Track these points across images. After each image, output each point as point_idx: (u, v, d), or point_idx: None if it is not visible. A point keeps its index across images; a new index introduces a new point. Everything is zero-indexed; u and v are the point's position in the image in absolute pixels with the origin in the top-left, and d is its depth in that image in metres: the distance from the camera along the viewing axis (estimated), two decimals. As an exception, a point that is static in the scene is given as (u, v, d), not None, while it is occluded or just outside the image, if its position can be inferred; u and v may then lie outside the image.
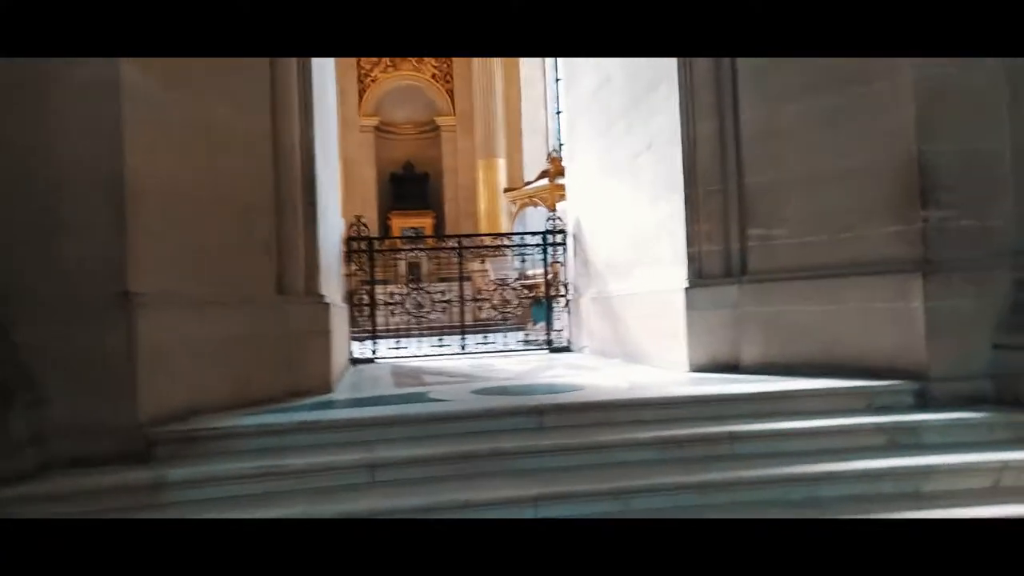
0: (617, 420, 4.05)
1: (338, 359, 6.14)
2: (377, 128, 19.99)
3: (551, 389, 4.83)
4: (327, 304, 5.10)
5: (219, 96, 4.40)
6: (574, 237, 8.53)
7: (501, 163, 19.21)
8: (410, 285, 8.56)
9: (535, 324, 9.81)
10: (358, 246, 8.42)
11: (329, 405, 4.44)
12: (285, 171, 4.96)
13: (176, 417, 3.97)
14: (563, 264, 8.76)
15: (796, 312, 5.05)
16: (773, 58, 5.08)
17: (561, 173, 10.25)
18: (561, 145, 11.90)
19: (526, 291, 9.38)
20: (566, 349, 8.56)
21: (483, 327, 8.78)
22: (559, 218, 8.79)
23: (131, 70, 3.73)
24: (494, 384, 5.25)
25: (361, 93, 19.66)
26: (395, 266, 19.32)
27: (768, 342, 5.17)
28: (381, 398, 4.75)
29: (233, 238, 4.54)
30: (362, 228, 8.45)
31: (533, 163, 19.98)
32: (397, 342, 8.40)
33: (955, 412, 3.97)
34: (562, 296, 8.73)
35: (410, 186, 19.94)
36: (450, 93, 19.97)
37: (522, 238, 8.79)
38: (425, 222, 19.45)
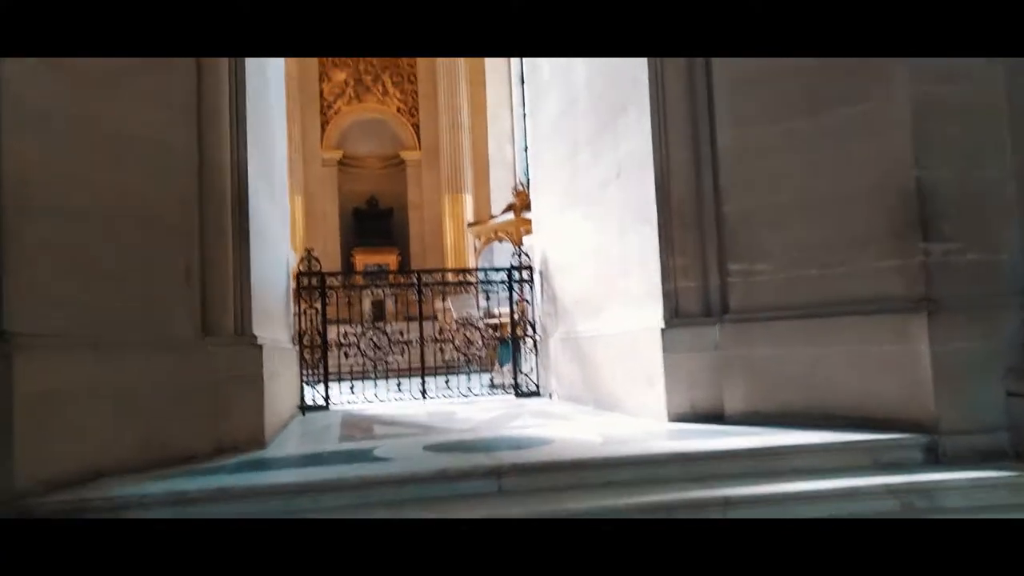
0: (590, 482, 3.50)
1: (281, 407, 5.54)
2: (340, 162, 19.47)
3: (515, 444, 4.28)
4: (260, 346, 4.52)
5: (131, 100, 3.86)
6: (540, 273, 8.05)
7: (468, 198, 18.77)
8: (364, 324, 7.97)
9: (501, 367, 9.27)
10: (309, 282, 7.84)
11: (259, 465, 3.84)
12: (211, 190, 4.41)
13: (73, 481, 3.37)
14: (530, 302, 8.25)
15: (783, 355, 4.57)
16: (753, 78, 4.69)
17: (527, 206, 9.81)
18: (528, 179, 11.50)
19: (491, 331, 8.85)
20: (534, 394, 8.01)
21: (447, 369, 8.21)
22: (525, 253, 8.31)
23: (15, 68, 3.18)
24: (452, 438, 4.68)
25: (324, 125, 19.16)
26: (359, 304, 18.75)
27: (753, 389, 4.69)
28: (320, 456, 4.16)
29: (145, 265, 3.97)
30: (313, 262, 7.87)
31: (500, 198, 19.54)
32: (352, 387, 7.79)
33: (972, 471, 3.49)
34: (529, 337, 8.20)
35: (374, 222, 19.38)
36: (415, 127, 19.56)
37: (486, 274, 8.28)
38: (390, 259, 18.86)
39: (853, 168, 4.38)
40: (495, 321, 9.10)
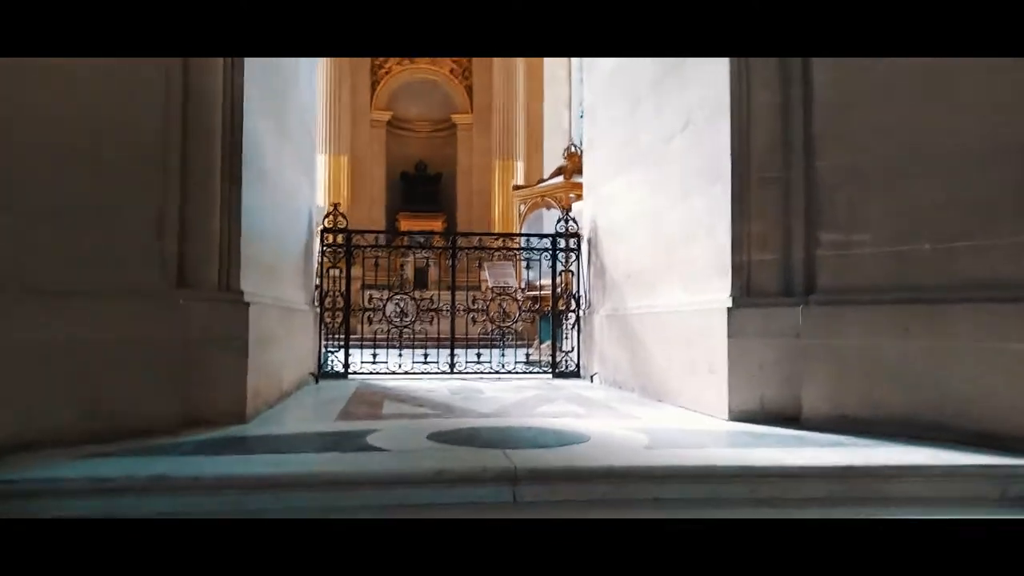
0: (630, 497, 2.71)
1: (280, 375, 4.86)
2: (389, 124, 18.81)
3: (541, 438, 3.49)
4: (246, 304, 3.81)
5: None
6: (589, 242, 7.21)
7: (519, 166, 17.95)
8: (392, 288, 7.26)
9: (541, 343, 8.50)
10: (333, 239, 7.15)
11: (225, 446, 3.14)
12: (196, 123, 3.70)
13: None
14: (575, 274, 7.43)
15: (883, 348, 3.68)
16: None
17: (579, 170, 8.94)
18: (572, 145, 10.61)
19: (531, 304, 8.05)
20: (573, 375, 7.22)
21: (484, 343, 7.43)
22: (572, 219, 7.47)
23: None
24: (468, 423, 3.92)
25: (374, 85, 18.50)
26: (401, 269, 18.16)
27: (841, 387, 3.81)
28: (300, 438, 3.43)
29: (103, 205, 3.28)
30: (339, 218, 7.16)
31: (553, 166, 18.69)
32: (374, 355, 7.10)
33: None
34: (572, 312, 7.39)
35: (422, 186, 18.70)
36: (468, 90, 18.75)
37: (528, 241, 7.47)
38: (435, 225, 18.15)
39: (988, 112, 3.45)
40: (536, 294, 8.30)
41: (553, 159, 18.64)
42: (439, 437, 3.39)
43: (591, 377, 6.71)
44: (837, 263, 3.93)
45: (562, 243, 7.45)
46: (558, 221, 7.52)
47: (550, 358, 7.41)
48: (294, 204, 5.87)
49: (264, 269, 4.54)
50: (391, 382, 6.51)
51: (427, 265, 17.47)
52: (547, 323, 7.90)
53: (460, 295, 7.26)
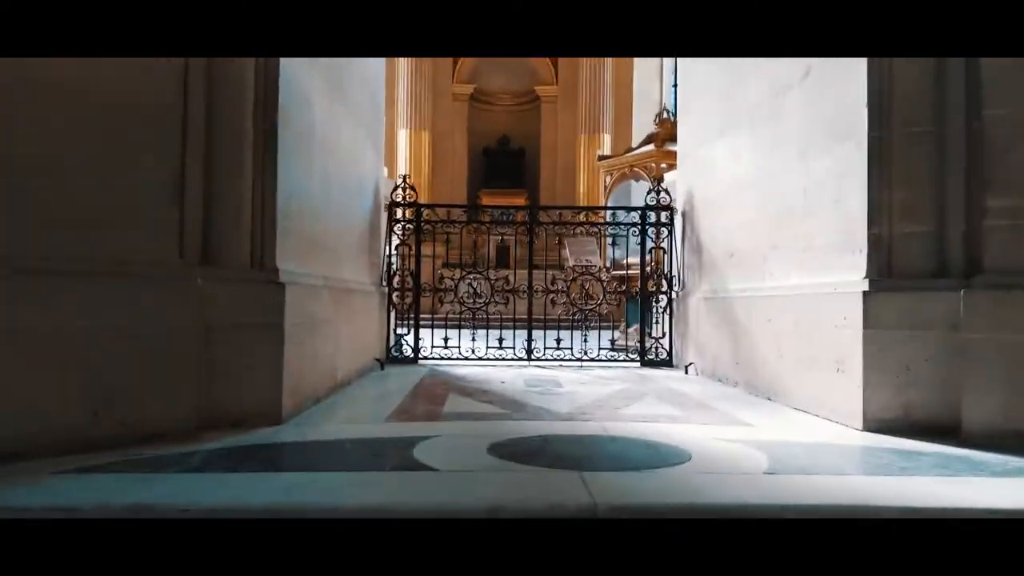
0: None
1: (333, 364, 4.35)
2: (472, 97, 18.25)
3: (627, 454, 2.81)
4: (281, 285, 3.26)
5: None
6: (683, 215, 6.43)
7: (607, 139, 17.10)
8: (465, 268, 6.66)
9: (628, 327, 7.77)
10: (403, 214, 6.61)
11: (240, 458, 2.59)
12: (222, 72, 3.15)
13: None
14: (667, 251, 6.66)
15: (1078, 345, 2.84)
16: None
17: (672, 137, 8.12)
18: (664, 110, 9.71)
19: (618, 284, 7.33)
20: (665, 363, 6.48)
21: (566, 324, 6.74)
22: (665, 190, 6.68)
23: None
24: (538, 429, 3.27)
25: (456, 59, 17.93)
26: (485, 247, 17.58)
27: (1018, 395, 2.98)
28: (337, 447, 2.86)
29: (104, 167, 2.77)
30: (408, 192, 6.61)
31: (639, 139, 17.76)
32: (446, 340, 6.55)
33: None
34: (663, 293, 6.63)
35: (504, 162, 18.11)
36: (553, 61, 17.96)
37: (614, 215, 6.74)
38: (517, 201, 17.52)
39: None
40: (623, 273, 7.57)
41: (644, 133, 17.71)
42: (502, 449, 2.76)
43: (685, 368, 5.95)
44: (1011, 237, 3.08)
45: (652, 217, 6.70)
46: (648, 192, 6.76)
47: (638, 344, 6.70)
48: (354, 173, 5.33)
49: (311, 244, 4.00)
50: (462, 369, 5.94)
51: (503, 243, 16.95)
52: (635, 305, 7.18)
53: (539, 274, 6.62)
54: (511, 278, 6.69)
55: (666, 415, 3.78)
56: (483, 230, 7.11)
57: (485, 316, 6.64)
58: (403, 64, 16.81)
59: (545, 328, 6.62)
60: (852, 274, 3.49)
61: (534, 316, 6.62)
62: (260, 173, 3.31)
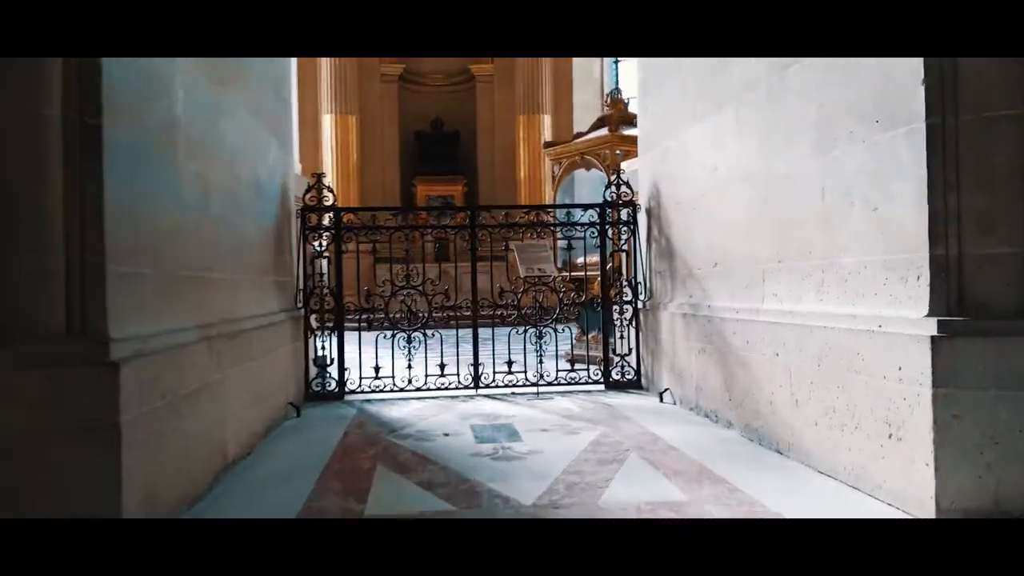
0: None
1: (234, 430, 3.32)
2: (401, 78, 17.01)
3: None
4: (113, 365, 2.21)
5: None
6: (648, 213, 5.52)
7: (546, 120, 16.12)
8: (395, 283, 5.61)
9: (585, 334, 6.86)
10: (318, 220, 5.53)
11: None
12: None
13: None
14: (631, 254, 5.75)
15: None
16: None
17: (627, 121, 7.20)
18: (615, 90, 8.74)
19: (572, 288, 6.37)
20: (633, 384, 5.61)
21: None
22: (625, 183, 5.76)
23: None
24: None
25: (383, 36, 16.65)
26: (420, 256, 16.37)
27: None
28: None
29: None
30: (324, 193, 5.53)
31: (584, 121, 16.84)
32: (376, 369, 5.52)
33: None
34: (627, 303, 5.73)
35: (438, 146, 16.91)
36: (487, 37, 16.84)
37: (569, 214, 5.78)
38: (455, 189, 16.47)
39: None
40: (579, 275, 6.65)
41: (585, 112, 16.77)
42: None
43: (660, 394, 5.06)
44: None
45: (612, 215, 5.78)
46: (607, 187, 5.82)
47: (599, 355, 5.79)
48: (249, 176, 4.24)
49: (177, 283, 2.94)
50: (397, 410, 4.93)
51: (441, 249, 15.88)
52: (594, 313, 6.26)
53: (484, 278, 5.65)
54: (452, 292, 5.67)
55: (663, 498, 2.86)
56: (416, 236, 5.98)
57: (422, 328, 5.61)
58: (325, 43, 15.47)
59: (494, 324, 5.62)
60: (906, 308, 2.62)
61: (476, 336, 5.65)
62: (76, 191, 2.24)
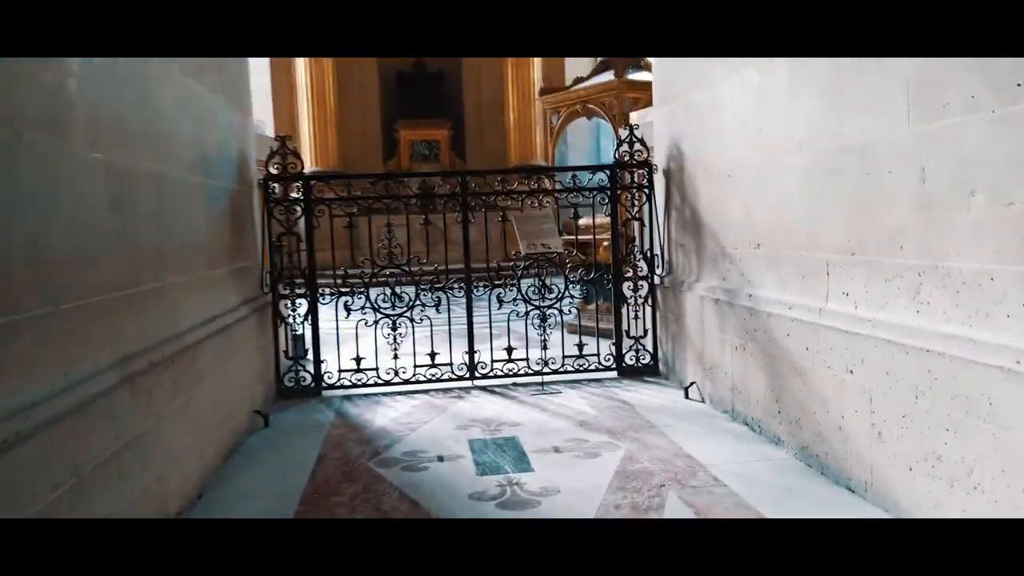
0: None
1: (178, 472, 2.62)
2: (379, 14, 15.85)
3: None
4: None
5: None
6: (667, 175, 4.77)
7: (536, 62, 15.10)
8: (376, 258, 4.85)
9: (587, 303, 6.13)
10: (284, 191, 4.75)
11: None
12: None
13: None
14: (645, 223, 5.02)
15: None
16: None
17: (637, 65, 6.37)
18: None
19: (580, 263, 5.58)
20: (649, 370, 4.95)
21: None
22: (639, 140, 4.98)
23: None
24: None
25: (358, -31, 15.44)
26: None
27: None
28: None
29: None
30: (289, 159, 4.74)
31: (578, 63, 15.83)
32: (357, 361, 4.83)
33: None
34: (642, 279, 5.02)
35: (421, 88, 15.88)
36: (471, -32, 15.65)
37: (575, 178, 5.01)
38: (440, 134, 15.54)
39: None
40: (585, 238, 5.92)
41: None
42: None
43: (686, 390, 4.40)
44: None
45: (625, 178, 5.03)
46: (618, 144, 5.04)
47: (608, 327, 5.09)
48: (192, 155, 3.46)
49: (78, 316, 2.21)
50: (382, 415, 4.26)
51: (432, 188, 14.96)
52: (600, 285, 5.53)
53: (480, 249, 4.92)
54: (441, 263, 4.93)
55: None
56: (399, 207, 5.10)
57: (408, 311, 4.89)
58: (295, -23, 14.28)
59: (490, 308, 4.90)
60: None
61: (471, 317, 4.94)
62: None
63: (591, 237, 5.71)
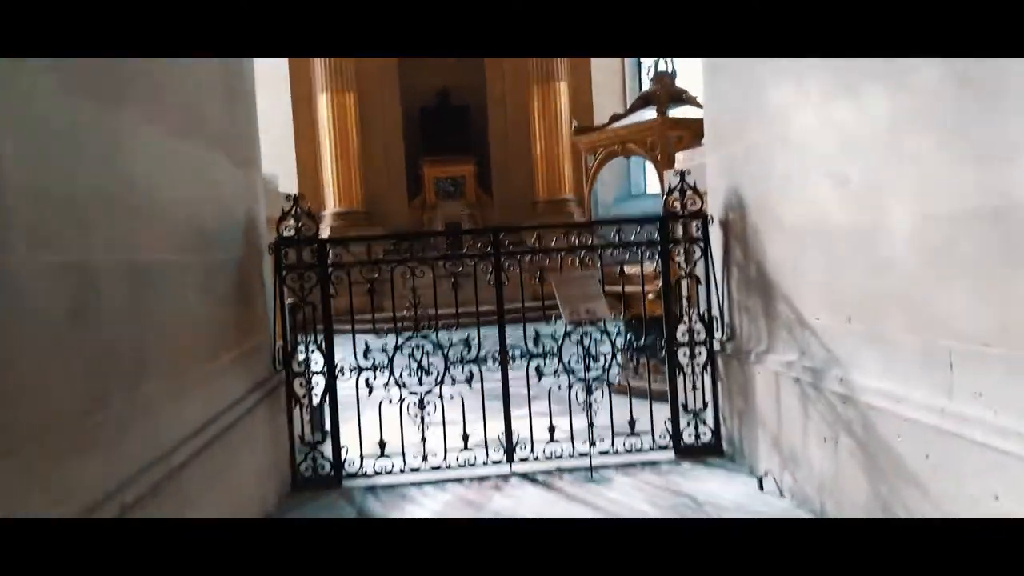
0: None
1: None
2: (401, 49, 15.52)
3: None
4: None
5: None
6: (726, 228, 4.22)
7: (562, 88, 14.63)
8: (400, 325, 4.29)
9: (634, 360, 5.48)
10: (298, 257, 4.26)
11: None
12: None
13: None
14: (700, 280, 4.45)
15: None
16: None
17: (675, 97, 5.84)
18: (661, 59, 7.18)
19: (616, 305, 5.03)
20: (711, 450, 4.35)
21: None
22: (691, 187, 4.42)
23: None
24: None
25: (379, 4, 15.14)
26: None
27: None
28: None
29: None
30: (303, 220, 4.25)
31: (607, 88, 15.38)
32: (381, 445, 4.30)
33: None
34: (699, 344, 4.44)
35: (445, 123, 15.47)
36: (493, -1, 15.28)
37: (619, 233, 4.46)
38: (465, 169, 15.10)
39: None
40: (617, 289, 5.33)
41: (605, 76, 15.32)
42: None
43: (759, 480, 3.78)
44: None
45: (676, 230, 4.47)
46: (669, 192, 4.49)
47: (661, 388, 4.48)
48: (184, 228, 2.98)
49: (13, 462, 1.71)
50: (412, 508, 3.73)
51: (460, 220, 14.47)
52: (644, 333, 4.92)
53: (515, 312, 4.37)
54: (472, 340, 4.39)
55: None
56: (415, 267, 4.49)
57: (438, 386, 4.35)
58: (315, 15, 13.98)
59: (528, 379, 4.34)
60: None
61: (507, 395, 4.39)
62: None
63: (638, 288, 5.13)
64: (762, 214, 3.83)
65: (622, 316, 5.00)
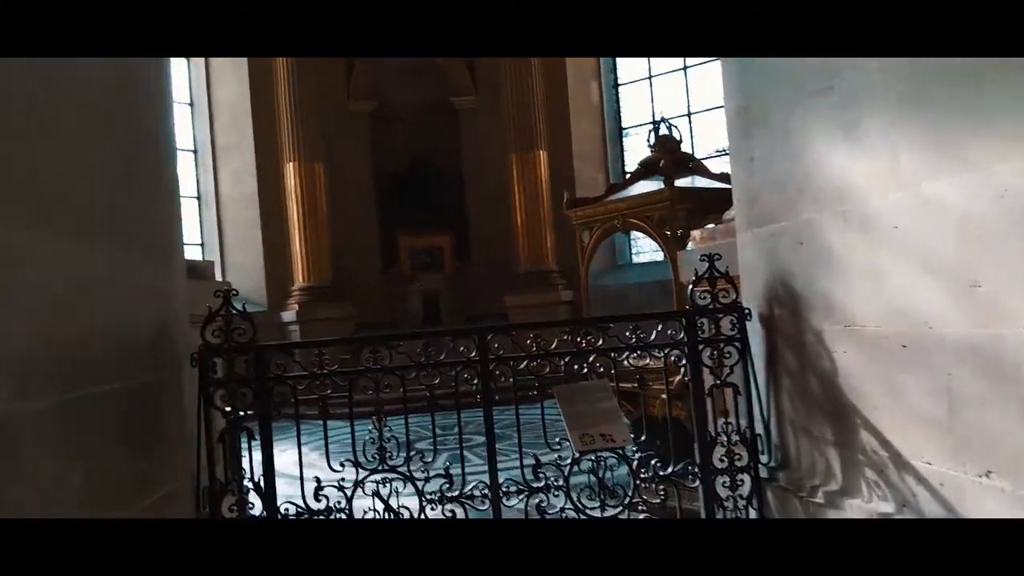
0: None
1: None
2: (373, 116, 14.91)
3: None
4: None
5: None
6: (769, 325, 3.37)
7: (542, 156, 13.99)
8: (364, 465, 3.33)
9: (653, 474, 4.54)
10: (229, 368, 3.31)
11: None
12: None
13: None
14: (737, 389, 3.56)
15: None
16: None
17: (686, 165, 5.06)
18: (661, 122, 6.35)
19: (623, 406, 4.15)
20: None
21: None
22: (723, 275, 3.57)
23: None
24: None
25: (349, 71, 14.57)
26: (405, 302, 13.99)
27: None
28: None
29: None
30: (233, 319, 3.31)
31: (586, 153, 14.79)
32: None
33: None
34: (740, 470, 3.52)
35: (421, 192, 14.71)
36: (468, 64, 14.77)
37: (636, 332, 3.57)
38: (442, 240, 14.32)
39: None
40: (628, 387, 4.43)
41: (586, 144, 14.75)
42: None
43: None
44: None
45: (706, 328, 3.60)
46: (694, 282, 3.63)
47: (691, 508, 3.55)
48: (39, 348, 2.04)
49: None
50: None
51: (436, 292, 13.59)
52: (644, 431, 4.00)
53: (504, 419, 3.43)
54: (455, 473, 3.43)
55: None
56: (393, 379, 3.53)
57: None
58: (281, 81, 13.29)
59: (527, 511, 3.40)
60: None
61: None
62: None
63: (653, 386, 4.25)
64: (826, 314, 2.98)
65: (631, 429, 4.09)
